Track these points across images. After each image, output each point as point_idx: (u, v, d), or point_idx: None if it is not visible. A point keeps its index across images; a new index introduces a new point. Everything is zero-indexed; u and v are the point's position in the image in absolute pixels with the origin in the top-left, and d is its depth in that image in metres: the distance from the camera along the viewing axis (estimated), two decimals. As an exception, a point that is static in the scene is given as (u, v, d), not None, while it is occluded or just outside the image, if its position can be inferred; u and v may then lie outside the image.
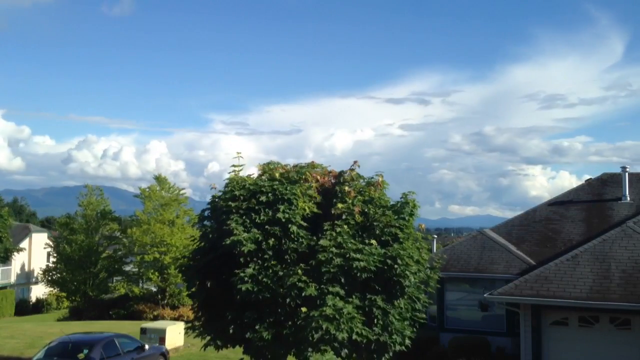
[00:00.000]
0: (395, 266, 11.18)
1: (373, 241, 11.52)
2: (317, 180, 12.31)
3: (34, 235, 52.80)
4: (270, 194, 11.36)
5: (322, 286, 10.71)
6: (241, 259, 10.94)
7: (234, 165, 12.41)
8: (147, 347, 17.55)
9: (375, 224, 11.88)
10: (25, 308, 46.88)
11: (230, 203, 11.46)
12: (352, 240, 11.20)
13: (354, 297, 11.07)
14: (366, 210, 12.02)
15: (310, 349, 10.69)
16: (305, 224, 11.35)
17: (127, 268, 42.80)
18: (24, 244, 48.75)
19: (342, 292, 10.78)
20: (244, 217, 11.25)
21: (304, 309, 10.58)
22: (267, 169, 12.53)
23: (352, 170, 12.69)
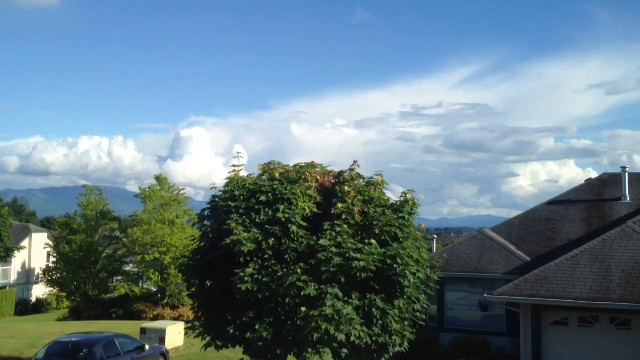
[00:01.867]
0: (395, 266, 11.16)
1: (373, 241, 11.51)
2: (317, 180, 12.32)
3: (34, 235, 52.77)
4: (270, 194, 11.38)
5: (322, 286, 10.72)
6: (241, 259, 10.94)
7: (234, 165, 12.44)
8: (147, 347, 17.55)
9: (375, 223, 11.87)
10: (25, 308, 46.90)
11: (230, 203, 11.48)
12: (352, 240, 11.20)
13: (353, 297, 11.06)
14: (366, 210, 12.01)
15: (310, 349, 10.69)
16: (305, 224, 11.35)
17: (127, 268, 42.85)
18: (24, 244, 48.73)
19: (340, 295, 10.78)
20: (244, 217, 11.26)
21: (303, 309, 10.58)
22: (267, 168, 12.53)
23: (351, 170, 12.69)
